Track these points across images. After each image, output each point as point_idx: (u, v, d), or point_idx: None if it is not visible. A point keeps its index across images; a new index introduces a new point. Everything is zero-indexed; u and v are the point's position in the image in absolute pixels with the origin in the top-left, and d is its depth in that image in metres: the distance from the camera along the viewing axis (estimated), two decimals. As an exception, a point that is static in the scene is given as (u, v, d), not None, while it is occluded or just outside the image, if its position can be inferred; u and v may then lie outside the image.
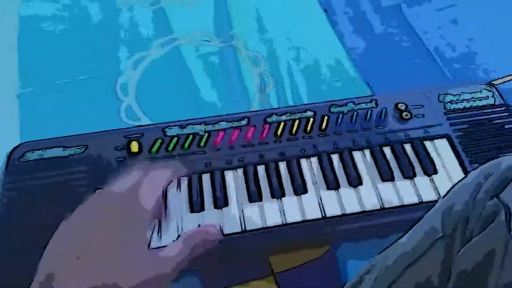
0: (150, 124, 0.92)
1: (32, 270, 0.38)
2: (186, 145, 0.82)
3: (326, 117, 0.84)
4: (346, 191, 0.76)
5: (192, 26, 1.19)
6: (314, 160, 0.80)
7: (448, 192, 0.56)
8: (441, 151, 0.80)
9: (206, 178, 0.79)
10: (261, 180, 0.79)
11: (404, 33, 1.12)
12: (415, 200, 0.75)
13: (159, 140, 0.83)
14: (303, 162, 0.80)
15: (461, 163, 0.79)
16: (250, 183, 0.78)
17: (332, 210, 0.75)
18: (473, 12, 1.17)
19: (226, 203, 0.76)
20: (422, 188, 0.76)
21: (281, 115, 0.85)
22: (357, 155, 0.80)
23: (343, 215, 0.74)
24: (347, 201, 0.76)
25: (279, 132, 0.83)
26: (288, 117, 0.85)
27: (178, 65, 1.09)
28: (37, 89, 1.06)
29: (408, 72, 1.03)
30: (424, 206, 0.70)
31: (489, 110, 0.84)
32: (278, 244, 0.75)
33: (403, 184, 0.77)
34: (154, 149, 0.82)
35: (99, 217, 0.43)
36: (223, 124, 0.84)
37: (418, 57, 1.07)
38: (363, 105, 0.85)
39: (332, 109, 0.85)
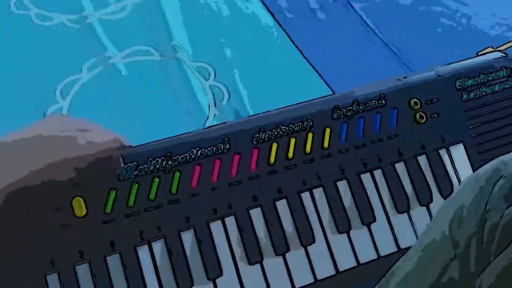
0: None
1: None
2: (152, 194, 0.63)
3: (328, 130, 0.68)
4: (358, 232, 0.68)
5: (127, 40, 1.08)
6: (318, 193, 0.68)
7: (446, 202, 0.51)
8: (457, 163, 0.72)
9: (188, 238, 0.64)
10: (258, 232, 0.66)
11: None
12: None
13: (112, 192, 0.63)
14: (305, 198, 0.68)
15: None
16: (247, 239, 0.65)
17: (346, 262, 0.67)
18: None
19: (220, 271, 0.64)
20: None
21: (271, 131, 0.68)
22: (367, 179, 0.69)
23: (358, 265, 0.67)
24: (360, 247, 0.67)
25: (272, 158, 0.67)
26: (281, 133, 0.68)
27: (115, 85, 0.89)
28: None
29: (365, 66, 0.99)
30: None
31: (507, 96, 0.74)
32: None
33: (420, 214, 0.70)
34: (108, 207, 0.62)
35: None
36: (196, 153, 0.65)
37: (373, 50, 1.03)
38: (371, 104, 0.70)
39: (335, 115, 0.69)
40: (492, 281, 0.43)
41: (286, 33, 1.08)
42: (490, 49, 0.94)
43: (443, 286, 0.47)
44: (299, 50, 1.04)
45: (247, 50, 1.07)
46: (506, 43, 0.95)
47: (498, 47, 0.96)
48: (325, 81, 0.96)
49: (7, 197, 0.52)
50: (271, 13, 1.12)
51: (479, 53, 0.92)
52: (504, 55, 0.75)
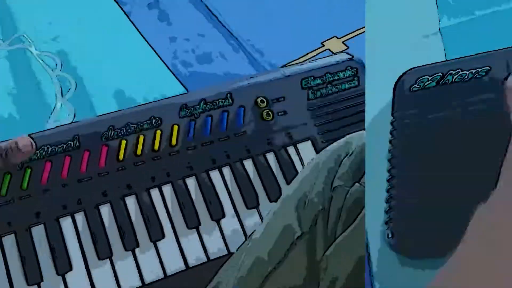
0: None
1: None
2: (4, 190, 0.67)
3: (175, 127, 0.74)
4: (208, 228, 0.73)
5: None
6: (167, 189, 0.73)
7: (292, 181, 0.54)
8: (306, 160, 0.78)
9: (37, 233, 0.68)
10: (108, 228, 0.71)
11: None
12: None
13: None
14: (154, 194, 0.73)
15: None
16: (96, 234, 0.70)
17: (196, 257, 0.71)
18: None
19: (70, 267, 0.68)
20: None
21: (120, 129, 0.73)
22: (215, 176, 0.75)
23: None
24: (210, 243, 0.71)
25: (121, 155, 0.72)
26: (130, 131, 0.73)
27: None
28: None
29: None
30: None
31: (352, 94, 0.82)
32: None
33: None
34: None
35: None
36: (47, 150, 0.69)
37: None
38: (218, 103, 0.77)
39: (183, 113, 0.76)
40: (334, 260, 0.46)
41: (135, 25, 1.10)
42: (335, 39, 1.01)
43: (291, 263, 0.50)
44: (150, 45, 1.07)
45: (96, 41, 1.08)
46: (350, 33, 1.02)
47: (342, 36, 1.03)
48: (177, 78, 0.99)
49: None
50: (118, 4, 1.13)
51: (323, 42, 0.99)
52: (350, 56, 0.83)
